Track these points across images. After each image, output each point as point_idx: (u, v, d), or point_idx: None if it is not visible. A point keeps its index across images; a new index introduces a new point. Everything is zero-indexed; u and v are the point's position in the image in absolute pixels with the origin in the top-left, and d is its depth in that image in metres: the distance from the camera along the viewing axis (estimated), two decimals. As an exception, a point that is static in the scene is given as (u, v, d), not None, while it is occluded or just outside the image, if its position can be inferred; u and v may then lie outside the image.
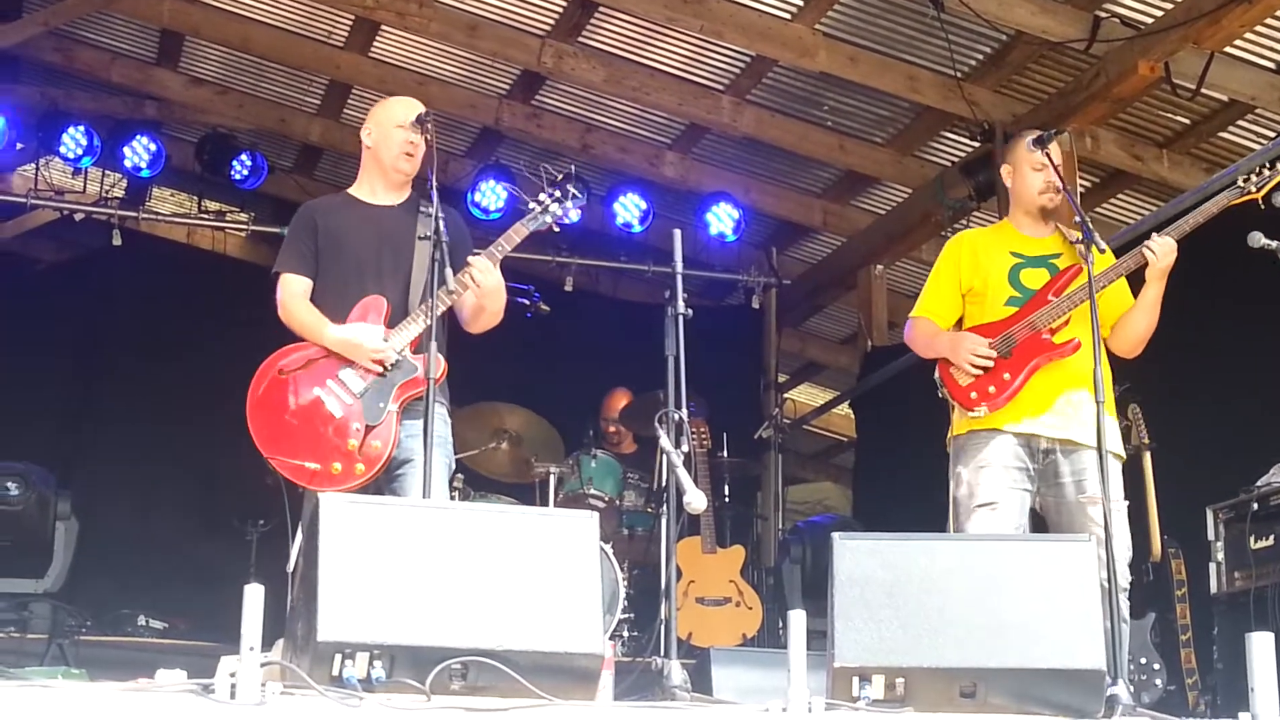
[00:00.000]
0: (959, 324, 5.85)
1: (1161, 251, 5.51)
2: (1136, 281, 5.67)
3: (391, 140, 5.71)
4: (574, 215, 5.80)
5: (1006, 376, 5.58)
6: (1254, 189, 5.54)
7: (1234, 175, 5.69)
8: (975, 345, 5.62)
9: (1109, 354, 5.64)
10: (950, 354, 5.69)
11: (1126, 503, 5.48)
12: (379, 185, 5.77)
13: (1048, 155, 5.71)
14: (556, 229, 5.83)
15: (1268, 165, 5.56)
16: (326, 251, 5.63)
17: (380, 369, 5.43)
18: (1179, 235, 5.56)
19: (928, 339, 5.86)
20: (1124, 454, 5.75)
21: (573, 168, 5.97)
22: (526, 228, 5.69)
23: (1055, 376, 5.57)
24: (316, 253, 5.63)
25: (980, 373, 5.59)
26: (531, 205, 5.73)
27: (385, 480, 5.44)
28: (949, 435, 5.73)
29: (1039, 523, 5.68)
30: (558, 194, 5.73)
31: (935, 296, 5.91)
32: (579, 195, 5.78)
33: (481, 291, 5.52)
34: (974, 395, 5.60)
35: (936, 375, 5.75)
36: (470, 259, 5.52)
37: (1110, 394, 5.59)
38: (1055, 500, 5.57)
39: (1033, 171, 5.81)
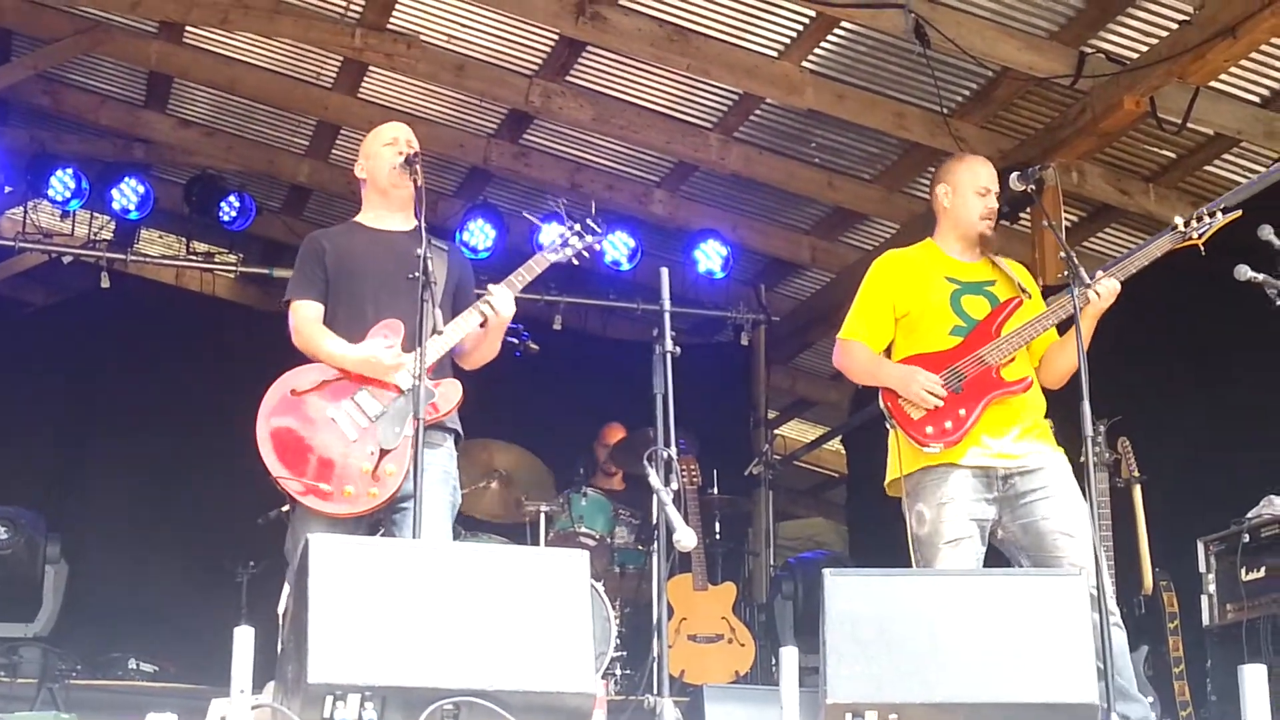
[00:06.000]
0: (888, 349, 5.74)
1: (1105, 294, 5.45)
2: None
3: (381, 160, 5.71)
4: (597, 248, 5.83)
5: (962, 413, 5.47)
6: (1195, 235, 5.51)
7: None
8: (928, 382, 5.50)
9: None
10: (900, 387, 5.55)
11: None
12: (383, 212, 5.75)
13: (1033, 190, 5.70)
14: (576, 262, 5.84)
15: (1208, 213, 5.53)
16: (338, 276, 5.60)
17: (398, 389, 5.39)
18: (1123, 276, 5.50)
19: (867, 367, 5.72)
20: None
21: (593, 205, 5.97)
22: (548, 259, 5.70)
23: (1006, 412, 5.50)
24: (327, 278, 5.60)
25: (934, 406, 5.49)
26: (554, 238, 5.74)
27: (386, 514, 5.41)
28: (895, 474, 5.59)
29: (996, 555, 5.62)
30: (577, 227, 5.74)
31: (866, 319, 5.76)
32: (599, 230, 5.79)
33: (498, 321, 5.52)
34: (929, 430, 5.48)
35: (883, 405, 5.60)
36: (490, 287, 5.53)
37: (1047, 425, 5.59)
38: (1022, 523, 5.45)
39: (976, 196, 5.73)
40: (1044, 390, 5.65)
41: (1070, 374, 5.52)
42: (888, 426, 5.60)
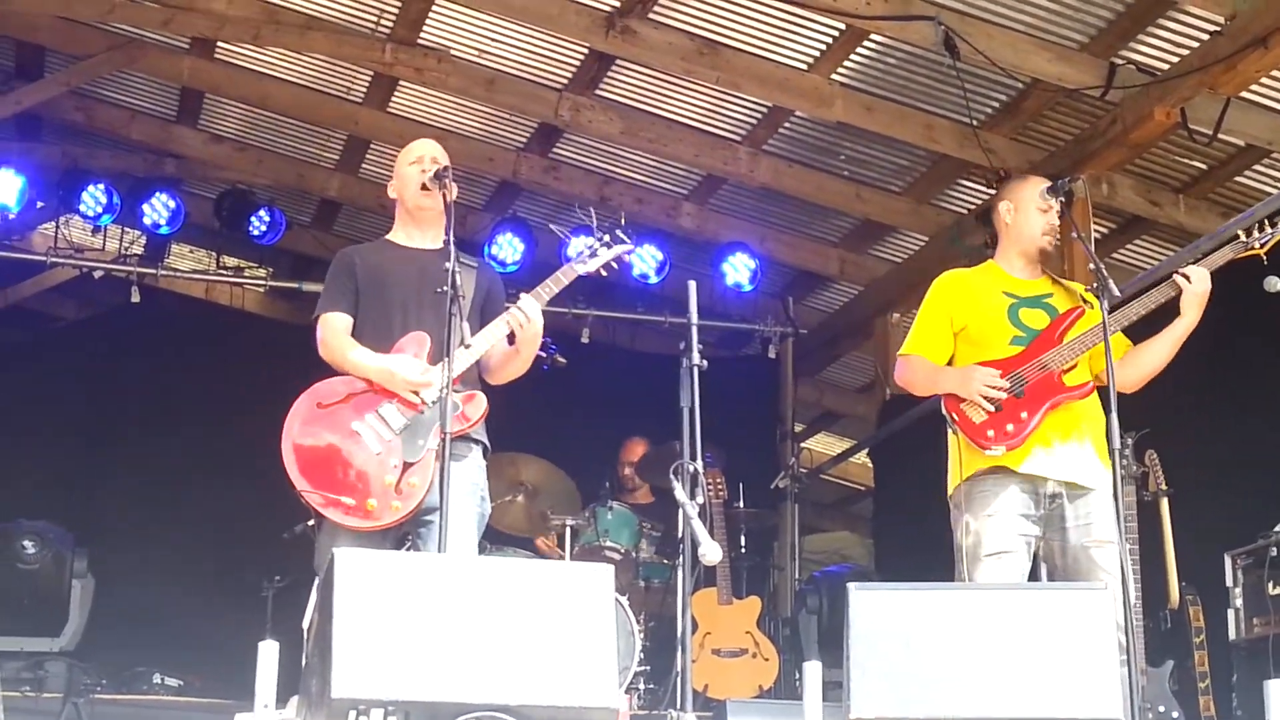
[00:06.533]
0: (950, 364, 5.75)
1: (1196, 278, 5.45)
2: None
3: (408, 179, 5.73)
4: (627, 259, 5.82)
5: (1024, 415, 5.48)
6: (1257, 244, 5.50)
7: (1246, 222, 5.64)
8: (988, 377, 5.52)
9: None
10: (960, 388, 5.57)
11: (1114, 544, 5.41)
12: (413, 230, 5.76)
13: (1062, 202, 5.71)
14: (604, 273, 5.84)
15: (1269, 220, 5.52)
16: (367, 290, 5.61)
17: (419, 400, 5.39)
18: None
19: (928, 376, 5.75)
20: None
21: (622, 216, 5.97)
22: (576, 270, 5.69)
23: (1066, 418, 5.50)
24: (357, 292, 5.62)
25: (994, 408, 5.50)
26: (582, 250, 5.74)
27: (413, 525, 5.40)
28: (953, 484, 5.62)
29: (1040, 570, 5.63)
30: (606, 238, 5.74)
31: (927, 334, 5.79)
32: (627, 241, 5.79)
33: (524, 334, 5.51)
34: (990, 434, 5.50)
35: (944, 410, 5.63)
36: (521, 295, 5.53)
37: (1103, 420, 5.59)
38: (1060, 545, 5.48)
39: (1038, 212, 5.73)
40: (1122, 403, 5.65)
41: (1147, 378, 5.61)
42: (950, 432, 5.63)
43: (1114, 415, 5.15)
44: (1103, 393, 5.40)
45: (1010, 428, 5.49)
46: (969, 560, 5.49)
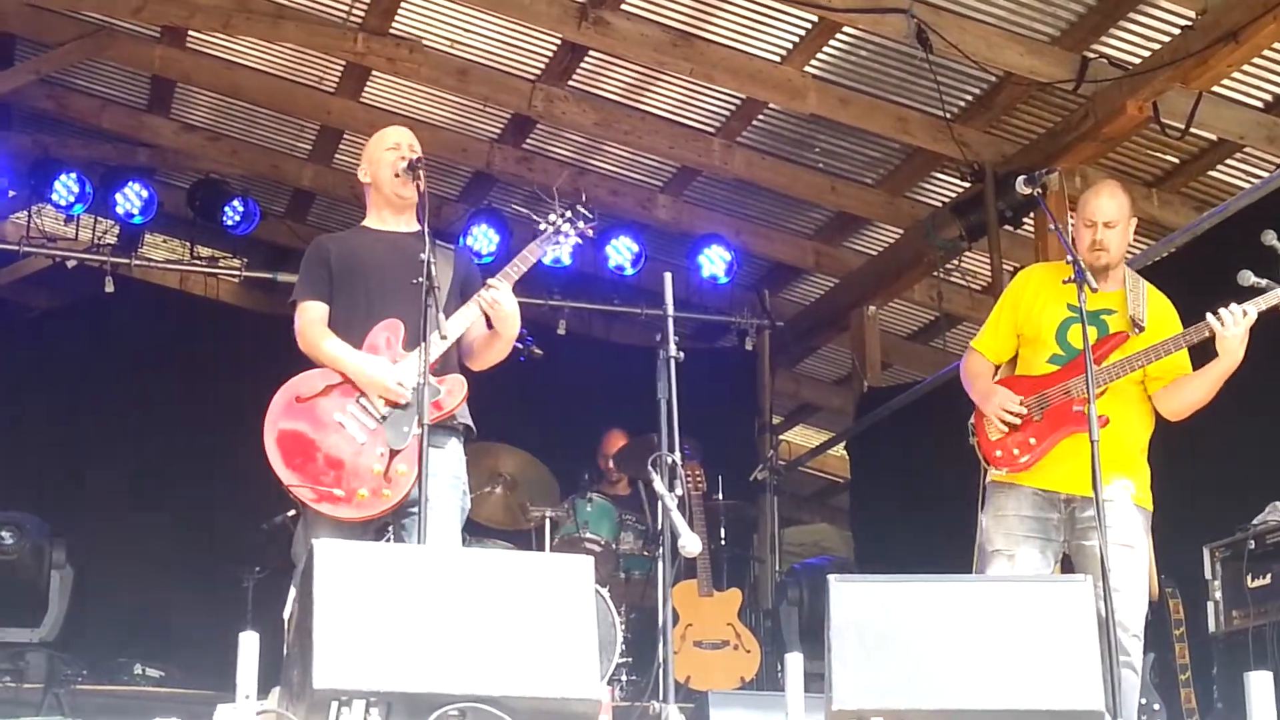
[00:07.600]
0: (1013, 361, 5.84)
1: (1233, 320, 5.36)
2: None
3: (383, 164, 5.69)
4: (589, 233, 5.80)
5: (1033, 441, 5.58)
6: None
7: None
8: (1005, 402, 5.62)
9: (1155, 410, 5.67)
10: (981, 404, 5.71)
11: (1132, 549, 5.46)
12: (387, 214, 5.73)
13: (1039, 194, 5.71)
14: (569, 260, 5.81)
15: None
16: (341, 275, 5.58)
17: (394, 404, 5.37)
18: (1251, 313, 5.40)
19: (971, 377, 5.86)
20: (1148, 505, 5.66)
21: (583, 194, 5.94)
22: (541, 248, 5.66)
23: (1081, 448, 5.36)
24: (331, 279, 5.59)
25: (1009, 429, 5.60)
26: (544, 225, 5.70)
27: (395, 518, 5.38)
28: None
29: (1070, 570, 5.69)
30: (568, 214, 5.72)
31: (992, 332, 5.90)
32: (590, 216, 5.76)
33: (497, 315, 5.49)
34: (999, 454, 5.64)
35: (971, 421, 5.77)
36: (488, 280, 5.51)
37: (1137, 447, 5.64)
38: (1076, 544, 5.57)
39: (1084, 227, 5.66)
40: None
41: (1187, 412, 5.63)
42: (969, 441, 5.76)
43: (1092, 406, 5.15)
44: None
45: (1017, 450, 5.62)
46: (981, 556, 5.63)
